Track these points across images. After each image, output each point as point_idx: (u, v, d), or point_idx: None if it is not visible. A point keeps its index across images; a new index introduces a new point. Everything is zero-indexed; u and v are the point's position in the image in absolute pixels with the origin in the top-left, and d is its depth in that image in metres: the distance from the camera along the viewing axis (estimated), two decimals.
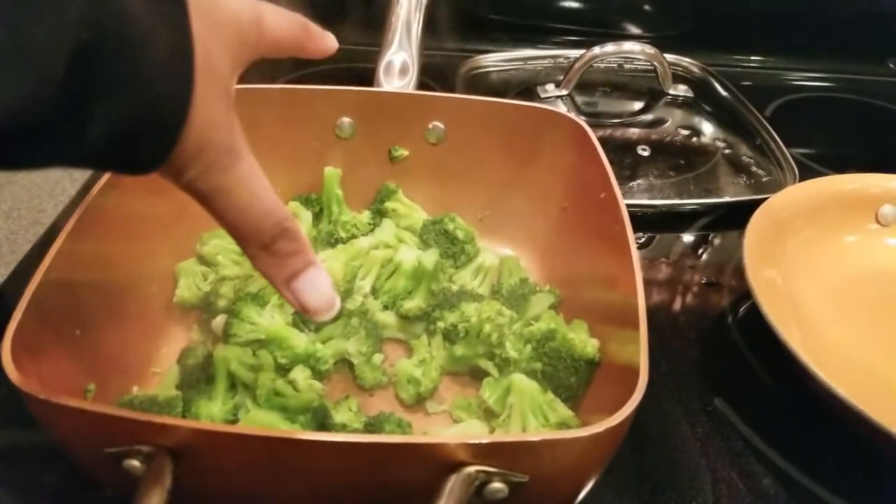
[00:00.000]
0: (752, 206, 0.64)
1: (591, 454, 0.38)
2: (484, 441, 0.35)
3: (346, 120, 0.65)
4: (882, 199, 0.69)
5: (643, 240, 0.74)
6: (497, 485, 0.36)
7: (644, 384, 0.38)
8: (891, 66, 0.90)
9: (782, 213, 0.64)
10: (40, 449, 0.48)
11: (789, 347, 0.51)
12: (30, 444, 0.50)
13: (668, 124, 0.89)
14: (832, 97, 1.05)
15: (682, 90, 0.92)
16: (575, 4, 1.08)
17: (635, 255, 0.48)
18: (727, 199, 0.76)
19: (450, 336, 0.56)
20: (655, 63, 0.89)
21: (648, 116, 0.90)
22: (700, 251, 0.73)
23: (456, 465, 0.35)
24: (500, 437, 0.35)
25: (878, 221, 0.70)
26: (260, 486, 0.38)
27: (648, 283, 0.69)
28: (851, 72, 1.08)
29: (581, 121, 0.61)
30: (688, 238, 0.74)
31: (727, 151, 0.84)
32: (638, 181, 0.79)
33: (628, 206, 0.74)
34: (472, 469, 0.35)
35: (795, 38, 1.09)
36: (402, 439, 0.35)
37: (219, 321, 0.53)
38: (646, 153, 0.82)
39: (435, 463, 0.35)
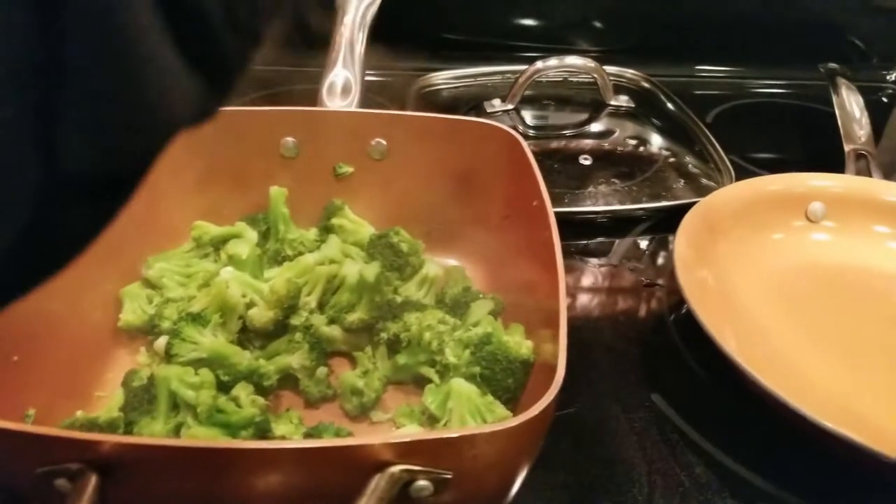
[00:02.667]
0: (689, 209, 0.67)
1: (513, 448, 0.40)
2: (405, 440, 0.36)
3: (290, 140, 0.67)
4: (808, 197, 0.72)
5: (588, 245, 0.76)
6: (422, 482, 0.37)
7: (560, 380, 0.40)
8: (821, 70, 0.93)
9: (712, 215, 0.67)
10: None
11: (718, 344, 0.53)
12: None
13: (614, 134, 0.91)
14: (769, 102, 1.09)
15: (623, 101, 0.94)
16: (527, 22, 1.11)
17: (560, 259, 0.50)
18: (665, 203, 0.78)
19: (393, 346, 0.58)
20: (596, 75, 0.92)
21: (595, 127, 0.93)
22: (642, 254, 0.75)
23: (381, 466, 0.37)
24: (420, 434, 0.37)
25: (807, 218, 0.72)
26: (188, 499, 0.39)
27: (591, 286, 0.71)
28: (786, 77, 1.12)
29: (514, 132, 0.63)
30: (631, 242, 0.76)
31: (670, 158, 0.86)
32: (586, 189, 0.81)
33: (575, 213, 0.78)
34: (395, 469, 0.37)
35: (735, 47, 1.13)
36: (322, 443, 0.36)
37: (161, 342, 0.54)
38: (588, 162, 0.84)
39: (360, 465, 0.37)
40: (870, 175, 0.77)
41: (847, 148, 0.80)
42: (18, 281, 0.21)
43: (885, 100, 1.13)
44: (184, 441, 0.42)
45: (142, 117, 0.21)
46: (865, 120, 0.84)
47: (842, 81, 0.89)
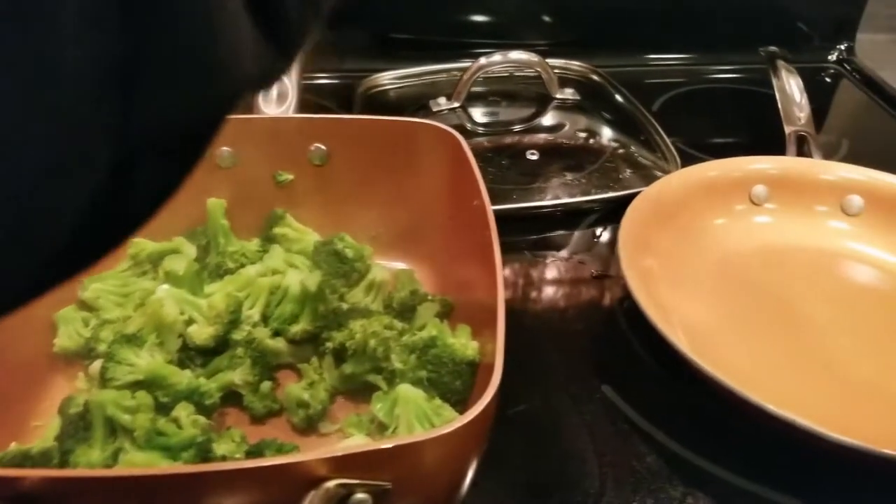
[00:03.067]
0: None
1: (453, 453, 0.39)
2: (337, 454, 0.35)
3: (225, 149, 0.66)
4: (749, 181, 0.72)
5: (539, 239, 0.76)
6: (360, 496, 0.37)
7: (497, 381, 0.39)
8: (762, 53, 0.94)
9: (655, 204, 0.67)
10: None
11: (662, 333, 0.53)
12: None
13: (563, 128, 0.91)
14: (715, 88, 1.09)
15: (569, 93, 0.94)
16: (474, 18, 1.10)
17: (498, 258, 0.49)
18: (612, 193, 0.78)
19: (340, 355, 0.57)
20: (539, 69, 0.92)
21: (543, 121, 0.92)
22: (592, 246, 0.75)
23: (317, 482, 0.36)
24: (353, 447, 0.36)
25: (752, 201, 0.72)
26: None
27: (541, 281, 0.70)
28: (732, 62, 1.13)
29: (453, 131, 0.62)
30: (581, 234, 0.76)
31: (618, 149, 0.86)
32: (535, 184, 0.81)
33: (524, 208, 0.78)
34: (330, 484, 0.36)
35: (681, 35, 1.13)
36: (253, 463, 0.35)
37: (95, 366, 0.53)
38: (536, 157, 0.84)
39: (296, 482, 0.36)
40: (811, 156, 0.77)
41: (787, 130, 0.80)
42: (94, 242, 0.22)
43: (827, 80, 1.14)
44: (105, 471, 0.41)
45: (218, 73, 0.21)
46: (805, 101, 0.84)
47: (781, 64, 0.90)
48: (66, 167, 0.18)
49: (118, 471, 0.43)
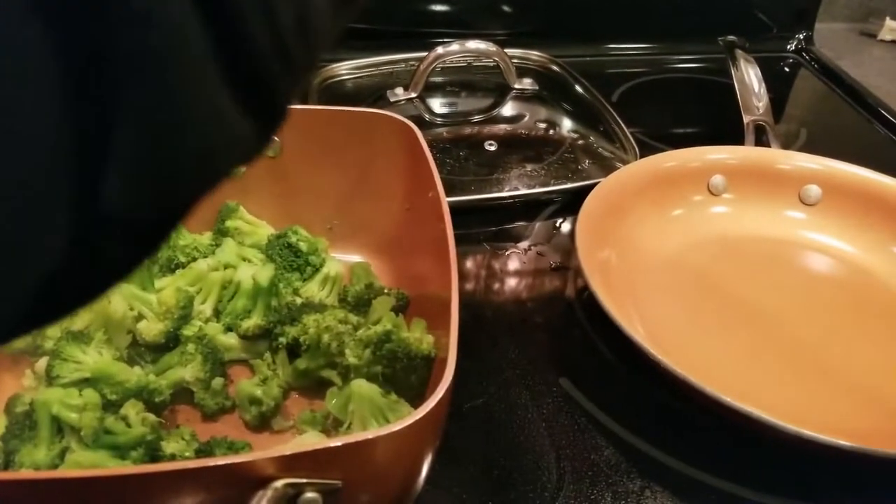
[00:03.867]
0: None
1: (404, 450, 0.39)
2: (285, 453, 0.35)
3: None
4: (706, 171, 0.72)
5: (498, 231, 0.75)
6: (310, 495, 0.36)
7: (450, 376, 0.39)
8: (721, 43, 0.94)
9: (612, 195, 0.67)
10: None
11: (620, 325, 0.53)
12: None
13: (520, 118, 0.91)
14: (674, 78, 1.09)
15: (527, 83, 0.94)
16: (433, 7, 1.09)
17: (452, 250, 0.49)
18: (571, 184, 0.78)
19: (293, 351, 0.56)
20: (497, 59, 0.91)
21: (502, 112, 0.92)
22: (551, 237, 0.74)
23: (266, 481, 0.35)
24: (301, 446, 0.35)
25: (710, 192, 0.73)
26: None
27: (499, 273, 0.70)
28: (691, 52, 1.13)
29: (407, 121, 0.62)
30: (540, 225, 0.76)
31: (577, 140, 0.86)
32: (494, 175, 0.80)
33: (482, 200, 0.77)
34: (279, 483, 0.35)
35: (641, 24, 1.13)
36: (198, 463, 0.34)
37: (41, 363, 0.51)
38: (494, 148, 0.83)
39: (244, 482, 0.35)
40: (769, 146, 0.78)
41: (746, 119, 0.81)
42: (47, 312, 0.20)
43: (786, 69, 1.15)
44: (48, 473, 0.40)
45: (193, 164, 0.20)
46: (763, 91, 0.85)
47: (740, 54, 0.90)
48: (22, 238, 0.17)
49: (61, 473, 0.41)
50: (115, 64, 0.17)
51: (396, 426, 0.36)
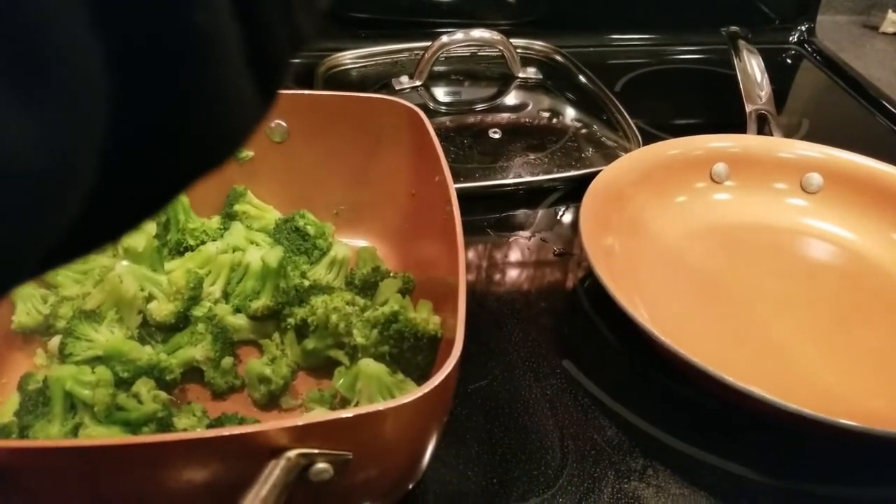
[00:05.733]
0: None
1: (413, 424, 0.39)
2: (298, 423, 0.35)
3: None
4: (709, 159, 0.73)
5: (501, 218, 0.76)
6: (321, 465, 0.37)
7: (457, 354, 0.40)
8: (723, 33, 0.95)
9: (616, 182, 0.67)
10: None
11: (624, 308, 0.54)
12: None
13: (524, 107, 0.91)
14: (677, 68, 1.10)
15: (531, 73, 0.94)
16: None
17: (459, 234, 0.49)
18: (574, 172, 0.78)
19: (301, 331, 0.57)
20: (502, 48, 0.92)
21: (505, 100, 0.92)
22: (554, 224, 0.75)
23: (278, 452, 0.36)
24: (314, 417, 0.36)
25: (712, 179, 0.73)
26: (84, 500, 0.38)
27: (503, 259, 0.71)
28: (694, 42, 1.13)
29: (414, 107, 0.62)
30: (543, 213, 0.77)
31: (580, 129, 0.87)
32: (498, 163, 0.81)
33: (486, 186, 0.78)
34: (291, 453, 0.36)
35: (641, 16, 1.14)
36: (214, 433, 0.35)
37: (54, 342, 0.52)
38: (498, 136, 0.84)
39: (256, 452, 0.36)
40: (771, 135, 0.79)
41: (748, 109, 0.81)
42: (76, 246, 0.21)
43: (788, 61, 1.15)
44: (66, 441, 0.41)
45: (216, 147, 0.21)
46: (766, 81, 0.86)
47: (742, 44, 0.91)
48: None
49: (78, 441, 0.42)
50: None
51: (407, 398, 0.37)
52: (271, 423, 0.36)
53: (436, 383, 0.38)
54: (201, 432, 0.40)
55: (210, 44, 0.19)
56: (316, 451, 0.36)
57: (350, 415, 0.36)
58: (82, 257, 0.22)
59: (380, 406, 0.36)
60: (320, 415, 0.42)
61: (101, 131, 0.17)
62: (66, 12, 0.16)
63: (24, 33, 0.15)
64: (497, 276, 0.69)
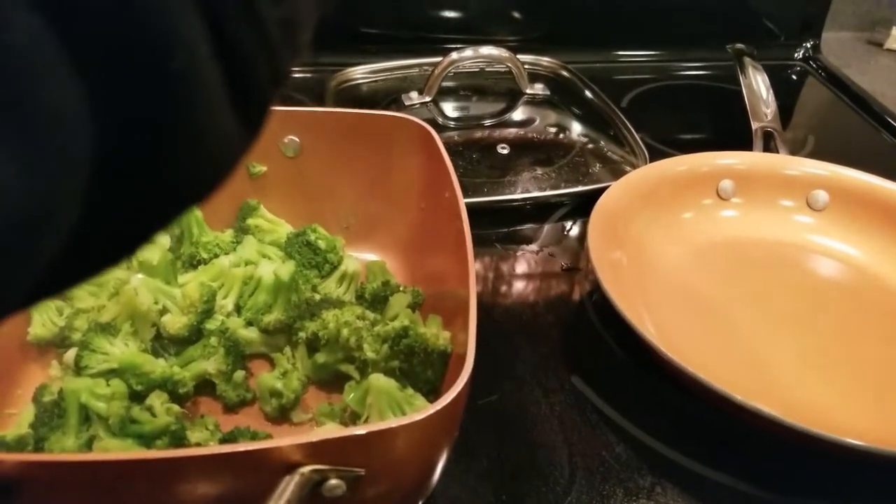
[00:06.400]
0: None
1: (425, 440, 0.40)
2: (312, 440, 0.36)
3: None
4: (716, 176, 0.74)
5: (509, 232, 0.77)
6: (334, 481, 0.37)
7: (469, 370, 0.40)
8: (729, 50, 0.95)
9: (623, 198, 0.68)
10: None
11: (631, 324, 0.55)
12: None
13: (532, 122, 0.92)
14: (683, 84, 1.11)
15: (539, 88, 0.95)
16: (445, 13, 1.11)
17: (470, 249, 0.50)
18: (581, 188, 0.79)
19: (312, 345, 0.57)
20: (510, 65, 0.92)
21: (513, 116, 0.93)
22: (562, 239, 0.76)
23: (291, 468, 0.37)
24: (327, 433, 0.36)
25: (719, 196, 0.74)
26: None
27: (511, 274, 0.71)
28: (699, 59, 1.14)
29: (425, 124, 0.63)
30: (551, 227, 0.77)
31: (587, 144, 0.88)
32: (506, 178, 0.81)
33: (494, 201, 0.79)
34: (304, 469, 0.36)
35: (650, 31, 1.15)
36: (228, 448, 0.35)
37: (70, 354, 0.53)
38: (506, 151, 0.85)
39: (270, 468, 0.36)
40: (777, 152, 0.79)
41: (754, 126, 0.82)
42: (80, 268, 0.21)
43: (794, 77, 1.16)
44: (81, 455, 0.41)
45: (195, 181, 0.21)
46: (771, 98, 0.86)
47: (748, 61, 0.91)
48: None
49: (94, 455, 0.43)
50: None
51: (419, 415, 0.37)
52: (286, 440, 0.36)
53: (447, 400, 0.38)
54: (217, 447, 0.41)
55: (189, 87, 0.19)
56: (329, 467, 0.37)
57: (363, 431, 0.37)
58: (69, 290, 0.22)
59: (392, 423, 0.37)
60: (333, 431, 0.43)
61: (82, 173, 0.18)
62: (45, 62, 0.16)
63: (3, 81, 0.15)
64: (505, 290, 0.70)
